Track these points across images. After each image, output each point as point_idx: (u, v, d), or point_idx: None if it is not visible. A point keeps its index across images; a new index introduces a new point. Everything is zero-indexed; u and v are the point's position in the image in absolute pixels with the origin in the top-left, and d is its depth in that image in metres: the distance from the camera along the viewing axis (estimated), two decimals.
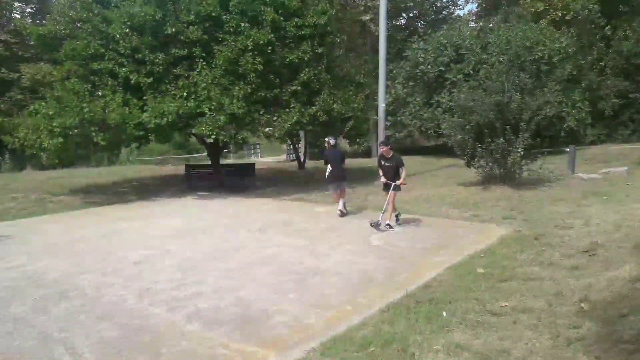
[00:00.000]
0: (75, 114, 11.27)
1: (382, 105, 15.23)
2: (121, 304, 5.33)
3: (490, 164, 11.95)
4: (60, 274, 6.47)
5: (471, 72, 19.40)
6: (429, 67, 21.26)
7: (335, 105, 13.03)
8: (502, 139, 11.23)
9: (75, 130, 11.40)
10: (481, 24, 24.47)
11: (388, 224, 8.58)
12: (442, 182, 14.04)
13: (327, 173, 9.93)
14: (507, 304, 4.84)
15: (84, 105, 11.42)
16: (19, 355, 4.14)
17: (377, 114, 16.49)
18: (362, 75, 15.65)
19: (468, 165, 12.87)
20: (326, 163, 9.98)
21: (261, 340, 4.30)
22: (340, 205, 9.96)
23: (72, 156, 13.71)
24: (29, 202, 12.98)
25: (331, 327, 4.51)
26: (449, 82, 20.17)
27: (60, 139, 11.41)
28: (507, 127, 11.28)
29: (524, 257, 6.39)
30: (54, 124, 11.34)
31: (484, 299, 5.01)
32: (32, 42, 29.68)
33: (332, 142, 10.11)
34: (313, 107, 12.82)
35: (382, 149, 9.09)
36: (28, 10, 36.39)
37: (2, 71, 30.54)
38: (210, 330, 4.57)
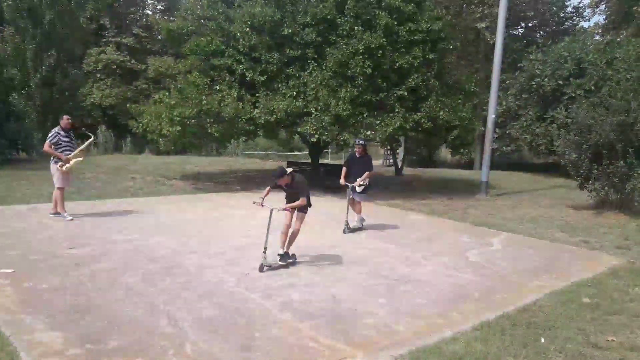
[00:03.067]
0: (194, 105, 12.12)
1: (492, 116, 14.63)
2: (220, 285, 5.64)
3: (606, 187, 11.04)
4: (168, 251, 6.98)
5: (592, 88, 18.03)
6: (546, 79, 20.08)
7: (441, 113, 12.74)
8: (622, 162, 10.32)
9: (193, 121, 12.26)
10: (608, 37, 22.63)
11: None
12: (550, 203, 13.22)
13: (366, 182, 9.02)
14: (613, 338, 4.46)
15: (203, 97, 12.24)
16: (128, 320, 4.54)
17: (484, 125, 15.85)
18: (472, 84, 15.09)
19: (581, 187, 12.00)
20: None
21: (350, 339, 4.34)
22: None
23: (187, 144, 14.72)
24: (145, 183, 14.12)
25: (420, 337, 4.44)
26: (567, 97, 18.91)
27: (179, 128, 12.34)
28: (630, 149, 10.34)
29: (637, 292, 5.84)
30: (174, 113, 12.27)
31: (587, 330, 4.65)
32: (159, 37, 32.49)
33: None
34: (418, 114, 12.64)
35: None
36: (159, 7, 39.64)
37: (132, 62, 33.58)
38: (300, 321, 4.69)
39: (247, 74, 12.96)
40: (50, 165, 8.73)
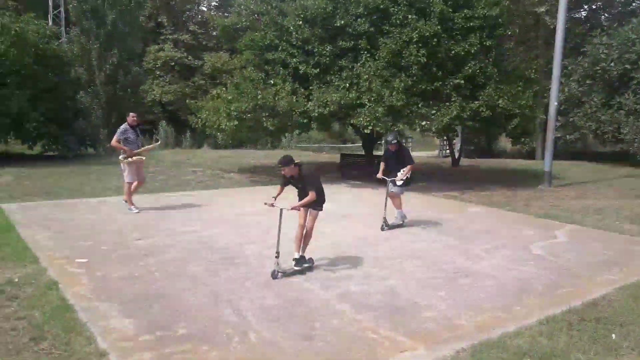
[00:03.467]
0: (250, 99, 12.36)
1: (554, 104, 14.02)
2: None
3: None
4: (229, 242, 7.19)
5: None
6: (612, 64, 18.99)
7: (500, 101, 12.33)
8: None
9: (249, 115, 12.52)
10: None
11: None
12: (618, 193, 12.57)
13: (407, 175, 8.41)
14: None
15: (258, 92, 12.45)
16: (194, 309, 4.73)
17: (546, 113, 15.21)
18: (532, 71, 14.51)
19: None
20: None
21: (410, 331, 4.33)
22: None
23: (244, 138, 15.04)
24: (205, 176, 14.56)
25: (483, 331, 4.36)
26: (636, 82, 17.82)
27: (236, 122, 12.63)
28: None
29: None
30: (231, 108, 12.57)
31: None
32: (215, 33, 33.24)
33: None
34: (476, 102, 12.30)
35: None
36: (213, 3, 40.50)
37: (189, 58, 34.56)
38: (359, 313, 4.72)
39: (300, 67, 13.05)
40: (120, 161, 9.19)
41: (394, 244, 7.34)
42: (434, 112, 12.29)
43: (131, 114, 9.38)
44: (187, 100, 17.09)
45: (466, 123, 13.07)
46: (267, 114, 12.56)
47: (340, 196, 11.88)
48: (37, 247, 6.52)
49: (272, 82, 13.08)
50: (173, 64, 33.72)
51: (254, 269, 5.98)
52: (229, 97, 12.99)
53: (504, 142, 28.86)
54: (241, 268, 5.99)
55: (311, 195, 5.74)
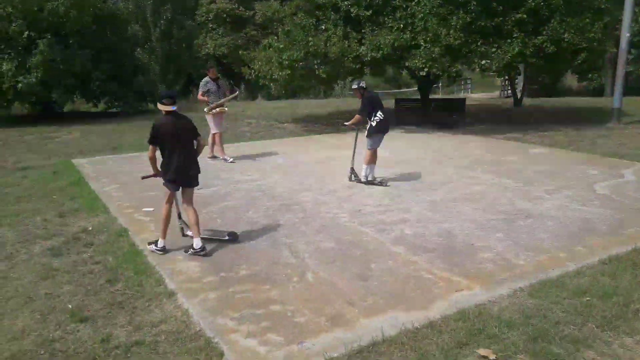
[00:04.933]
0: (302, 47, 12.23)
1: (626, 35, 12.96)
2: (335, 220, 5.86)
3: None
4: (286, 189, 7.35)
5: None
6: None
7: (566, 35, 11.53)
8: None
9: (301, 63, 12.41)
10: None
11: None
12: None
13: (375, 123, 7.40)
14: None
15: (309, 39, 12.28)
16: (255, 252, 4.93)
17: (616, 46, 14.08)
18: (602, 0, 13.37)
19: None
20: (372, 110, 7.44)
21: (465, 271, 4.34)
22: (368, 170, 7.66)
23: (296, 87, 15.01)
24: (260, 127, 14.75)
25: (541, 271, 4.30)
26: None
27: (288, 71, 12.58)
28: None
29: None
30: (283, 57, 12.50)
31: None
32: None
33: (363, 84, 7.50)
34: (539, 37, 11.56)
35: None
36: None
37: (240, 9, 34.33)
38: (414, 254, 4.76)
39: (351, 10, 12.69)
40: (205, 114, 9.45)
41: (451, 188, 7.24)
42: (494, 50, 11.69)
43: (210, 67, 9.60)
44: (239, 52, 17.12)
45: (529, 60, 12.35)
46: (318, 61, 12.42)
47: (395, 142, 11.74)
48: (106, 198, 6.94)
49: (324, 27, 12.84)
50: (225, 15, 33.64)
51: (310, 214, 6.11)
52: (281, 46, 12.89)
53: (570, 80, 27.23)
54: (298, 214, 6.14)
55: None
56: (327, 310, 3.73)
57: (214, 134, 9.46)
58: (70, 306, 3.89)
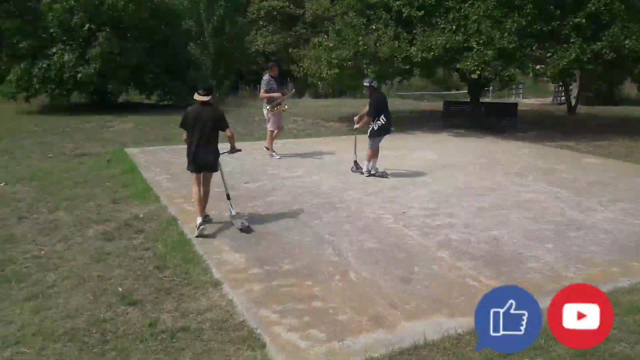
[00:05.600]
0: (351, 47, 12.22)
1: None
2: (379, 221, 5.84)
3: None
4: (330, 188, 7.37)
5: None
6: None
7: (627, 42, 11.03)
8: None
9: (350, 62, 12.41)
10: None
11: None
12: None
13: (377, 126, 7.94)
14: None
15: (360, 38, 12.26)
16: (298, 247, 4.99)
17: None
18: None
19: None
20: (378, 113, 7.97)
21: (512, 281, 4.23)
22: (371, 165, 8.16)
23: (344, 87, 15.01)
24: (306, 125, 14.84)
25: (591, 285, 4.14)
26: None
27: (337, 70, 12.60)
28: None
29: None
30: (332, 56, 12.53)
31: None
32: None
33: (374, 84, 8.24)
34: (598, 43, 11.13)
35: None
36: None
37: (291, 7, 34.63)
38: (459, 260, 4.69)
39: (403, 10, 12.57)
40: (263, 111, 9.65)
41: (500, 195, 7.08)
42: (549, 55, 11.34)
43: (272, 65, 9.77)
44: (289, 50, 17.27)
45: (586, 67, 11.91)
46: (368, 61, 12.38)
47: (442, 145, 11.58)
48: (158, 187, 7.17)
49: (374, 27, 12.78)
50: (275, 13, 34.04)
51: (353, 213, 6.12)
52: (330, 45, 12.93)
53: (629, 88, 26.01)
54: (341, 212, 6.15)
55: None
56: (369, 310, 3.73)
57: (270, 131, 9.56)
58: (120, 289, 4.05)
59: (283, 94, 9.53)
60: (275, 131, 9.58)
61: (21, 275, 4.29)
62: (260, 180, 7.69)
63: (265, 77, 9.50)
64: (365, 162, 8.17)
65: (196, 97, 5.38)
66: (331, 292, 4.03)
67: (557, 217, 6.05)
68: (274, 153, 9.57)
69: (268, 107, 9.35)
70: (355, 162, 8.40)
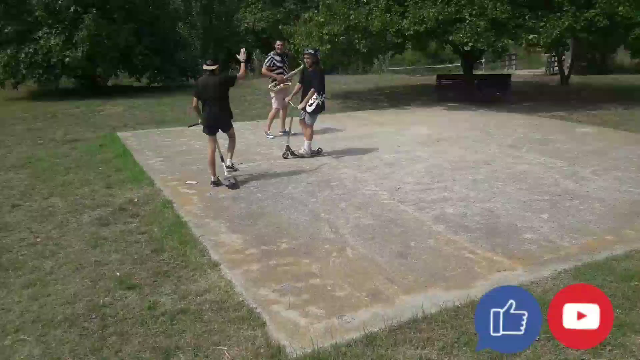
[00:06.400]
0: (342, 21, 12.05)
1: None
2: (374, 197, 5.85)
3: None
4: (325, 165, 7.35)
5: None
6: None
7: (620, 8, 10.91)
8: None
9: (341, 38, 12.26)
10: None
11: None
12: None
13: (322, 102, 7.69)
14: None
15: (351, 12, 12.08)
16: (295, 226, 4.99)
17: None
18: None
19: None
20: (323, 86, 7.78)
21: (508, 252, 4.27)
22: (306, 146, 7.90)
23: (336, 63, 14.85)
24: (298, 102, 14.73)
25: (587, 254, 4.19)
26: None
27: (328, 46, 12.45)
28: None
29: None
30: (323, 31, 12.37)
31: None
32: None
33: (319, 54, 7.87)
34: (591, 11, 11.01)
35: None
36: None
37: None
38: (455, 234, 4.71)
39: None
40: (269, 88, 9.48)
41: (494, 167, 7.08)
42: (542, 24, 11.22)
43: (278, 41, 9.57)
44: (279, 27, 17.01)
45: (579, 35, 11.81)
46: (359, 35, 12.23)
47: (436, 119, 11.55)
48: (151, 170, 7.13)
49: (365, 0, 12.58)
50: None
51: (349, 191, 6.11)
52: (321, 20, 12.74)
53: (622, 56, 25.89)
54: (337, 190, 6.15)
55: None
56: (366, 285, 3.75)
57: (276, 109, 9.41)
58: (118, 274, 4.05)
59: (288, 72, 9.31)
60: (281, 110, 9.44)
61: (18, 263, 4.28)
62: (254, 160, 7.67)
63: (270, 53, 9.30)
64: (306, 142, 7.80)
65: (204, 67, 6.20)
66: (329, 269, 4.05)
67: (552, 187, 6.07)
68: (269, 132, 9.47)
69: (271, 85, 9.24)
70: (288, 146, 7.80)
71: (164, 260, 4.29)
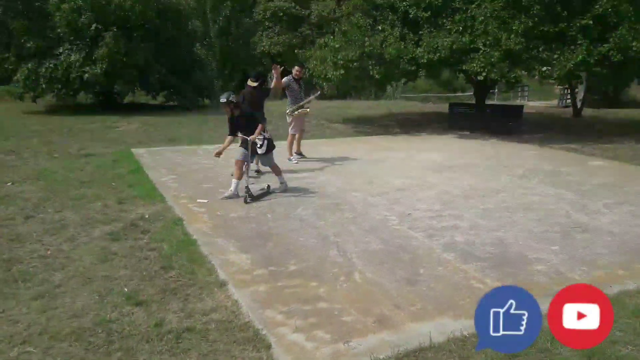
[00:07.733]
0: (357, 47, 12.24)
1: None
2: (384, 222, 5.84)
3: None
4: (335, 189, 7.37)
5: None
6: None
7: (635, 43, 10.98)
8: None
9: (355, 64, 12.42)
10: None
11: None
12: None
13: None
14: None
15: (366, 39, 12.27)
16: (303, 248, 4.99)
17: None
18: None
19: None
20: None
21: (517, 283, 4.21)
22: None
23: (349, 88, 15.02)
24: (311, 126, 14.80)
25: (598, 287, 4.12)
26: None
27: (342, 71, 12.61)
28: None
29: None
30: (338, 57, 12.54)
31: None
32: None
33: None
34: (605, 45, 11.08)
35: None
36: None
37: (296, 8, 34.66)
38: (465, 262, 4.68)
39: (410, 11, 12.59)
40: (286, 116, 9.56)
41: (505, 197, 7.06)
42: (556, 56, 11.30)
43: (296, 66, 9.57)
44: (295, 51, 17.30)
45: (593, 69, 11.87)
46: (373, 62, 12.38)
47: (447, 147, 11.57)
48: (163, 188, 7.19)
49: (380, 27, 12.78)
50: (281, 14, 34.07)
51: (359, 214, 6.11)
52: (336, 46, 12.94)
53: (635, 91, 25.91)
54: (346, 213, 6.15)
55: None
56: (374, 311, 3.73)
57: (292, 135, 9.46)
58: (126, 289, 4.06)
59: (305, 97, 9.36)
60: (297, 135, 9.50)
61: (28, 274, 4.31)
62: (265, 181, 7.70)
63: (288, 77, 9.40)
64: (280, 177, 7.20)
65: (249, 82, 7.85)
66: (336, 293, 4.03)
67: (563, 219, 6.02)
68: (292, 157, 9.46)
69: (289, 111, 9.32)
70: (248, 187, 6.61)
71: (172, 277, 4.31)
